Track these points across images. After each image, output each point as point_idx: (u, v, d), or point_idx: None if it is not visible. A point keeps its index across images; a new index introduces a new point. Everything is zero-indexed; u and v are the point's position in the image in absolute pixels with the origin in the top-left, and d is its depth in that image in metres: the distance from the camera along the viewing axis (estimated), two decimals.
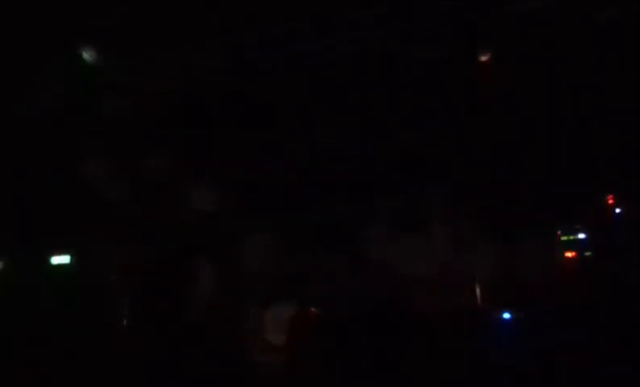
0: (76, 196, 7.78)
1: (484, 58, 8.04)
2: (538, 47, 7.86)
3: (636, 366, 6.46)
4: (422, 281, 8.14)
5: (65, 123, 7.73)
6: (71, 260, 8.04)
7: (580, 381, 6.72)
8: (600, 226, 8.74)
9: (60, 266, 8.04)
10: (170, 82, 7.95)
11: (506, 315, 7.89)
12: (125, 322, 7.93)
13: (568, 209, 8.58)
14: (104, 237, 7.94)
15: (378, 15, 7.55)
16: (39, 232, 7.85)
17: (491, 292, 8.22)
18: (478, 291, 8.28)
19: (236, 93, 8.07)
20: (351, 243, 8.39)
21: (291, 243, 8.23)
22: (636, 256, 7.84)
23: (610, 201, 8.79)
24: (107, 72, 7.69)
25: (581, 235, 8.78)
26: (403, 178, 8.44)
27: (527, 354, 7.18)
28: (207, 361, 7.28)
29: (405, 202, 8.46)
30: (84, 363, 7.22)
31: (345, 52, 7.74)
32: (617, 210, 8.77)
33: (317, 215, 8.36)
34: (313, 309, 8.02)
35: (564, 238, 8.79)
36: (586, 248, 8.72)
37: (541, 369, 6.92)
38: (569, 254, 8.72)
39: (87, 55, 7.36)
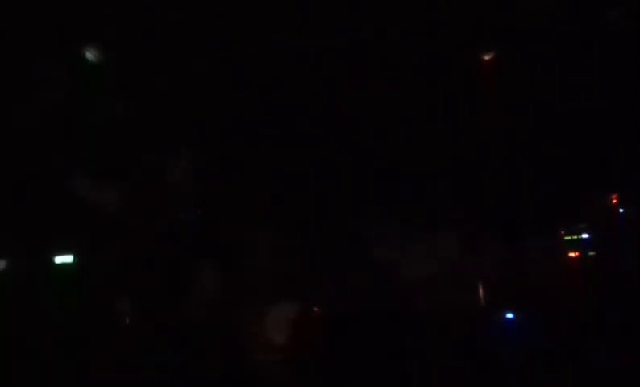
0: (79, 195, 7.82)
1: (487, 57, 8.07)
2: (540, 46, 7.88)
3: (638, 366, 6.43)
4: (425, 281, 8.12)
5: (66, 123, 7.78)
6: (74, 259, 8.07)
7: (583, 381, 6.69)
8: (603, 227, 8.72)
9: (63, 265, 8.07)
10: (170, 82, 7.99)
11: (509, 315, 7.88)
12: (127, 321, 7.94)
13: (572, 209, 8.57)
14: (107, 236, 7.97)
15: (379, 14, 7.59)
16: (41, 232, 7.89)
17: (494, 292, 8.20)
18: (481, 291, 8.26)
19: (236, 93, 8.12)
20: (354, 243, 8.39)
21: (294, 242, 8.24)
22: (639, 256, 7.82)
23: (614, 201, 8.77)
24: (108, 72, 7.75)
25: (585, 235, 8.76)
26: (407, 178, 8.44)
27: (530, 354, 7.15)
28: (209, 361, 7.29)
29: (409, 202, 8.45)
30: (86, 362, 7.25)
31: (346, 51, 7.77)
32: (621, 210, 8.76)
33: (320, 215, 8.35)
34: (316, 309, 8.03)
35: (568, 238, 8.78)
36: (589, 248, 8.70)
37: (544, 369, 6.89)
38: (572, 254, 8.70)
39: (89, 54, 7.43)
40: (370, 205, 8.39)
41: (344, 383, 7.15)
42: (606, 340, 6.99)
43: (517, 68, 7.97)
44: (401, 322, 7.66)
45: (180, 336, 7.50)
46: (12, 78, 7.58)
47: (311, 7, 7.40)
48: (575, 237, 8.75)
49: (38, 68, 7.60)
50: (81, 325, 7.50)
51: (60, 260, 8.04)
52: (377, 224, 8.39)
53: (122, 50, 7.72)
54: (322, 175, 8.29)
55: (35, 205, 7.67)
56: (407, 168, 8.40)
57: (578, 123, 8.09)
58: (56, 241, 7.97)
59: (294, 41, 7.67)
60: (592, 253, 8.67)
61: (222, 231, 8.24)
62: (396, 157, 8.41)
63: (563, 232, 8.75)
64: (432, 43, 7.81)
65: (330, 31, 7.60)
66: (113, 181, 7.95)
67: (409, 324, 7.64)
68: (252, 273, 7.97)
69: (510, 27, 7.79)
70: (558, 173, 8.25)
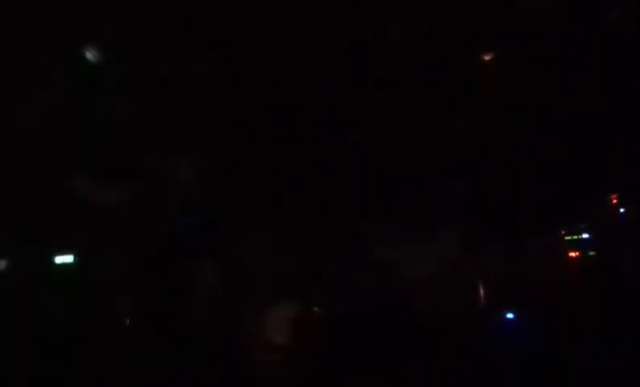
0: (79, 195, 7.82)
1: (487, 57, 8.07)
2: (540, 46, 7.88)
3: (638, 366, 6.42)
4: (426, 281, 8.12)
5: (67, 123, 7.78)
6: (74, 259, 8.07)
7: (583, 381, 6.68)
8: (603, 227, 8.72)
9: (63, 265, 8.08)
10: (170, 82, 7.99)
11: (510, 315, 7.88)
12: (127, 321, 7.94)
13: (572, 209, 8.57)
14: (107, 236, 7.97)
15: (379, 14, 7.58)
16: (41, 232, 7.89)
17: (495, 292, 8.20)
18: (482, 291, 8.26)
19: (236, 93, 8.11)
20: (354, 243, 8.39)
21: (294, 242, 8.23)
22: (639, 256, 7.82)
23: (614, 201, 8.78)
24: (109, 72, 7.75)
25: (585, 235, 8.77)
26: (407, 178, 8.45)
27: (530, 354, 7.15)
28: (209, 361, 7.28)
29: (409, 202, 8.45)
30: (86, 362, 7.25)
31: (346, 51, 7.76)
32: (621, 210, 8.76)
33: (320, 215, 8.36)
34: (316, 309, 8.03)
35: (568, 238, 8.78)
36: (590, 248, 8.70)
37: (544, 369, 6.88)
38: (573, 254, 8.70)
39: (90, 54, 7.43)
40: (370, 205, 8.39)
41: (344, 383, 7.14)
42: (606, 340, 6.98)
43: (517, 68, 7.97)
44: (401, 322, 7.65)
45: (180, 336, 7.50)
46: (12, 78, 7.58)
47: (311, 7, 7.39)
48: (576, 237, 8.75)
49: (38, 68, 7.60)
50: (81, 325, 7.50)
51: (60, 260, 8.05)
52: (377, 224, 8.40)
53: (122, 50, 7.72)
54: (321, 175, 8.30)
55: (35, 205, 7.67)
56: (407, 168, 8.40)
57: (578, 123, 8.09)
58: (56, 241, 7.97)
59: (294, 41, 7.66)
60: (592, 253, 8.67)
61: (222, 231, 8.24)
62: (396, 157, 8.41)
63: (563, 232, 8.75)
64: (432, 43, 7.81)
65: (330, 31, 7.59)
66: (113, 180, 7.95)
67: (409, 324, 7.64)
68: (252, 273, 7.96)
69: (510, 27, 7.79)
70: (558, 173, 8.25)
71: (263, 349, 7.41)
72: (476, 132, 8.29)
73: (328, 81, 7.95)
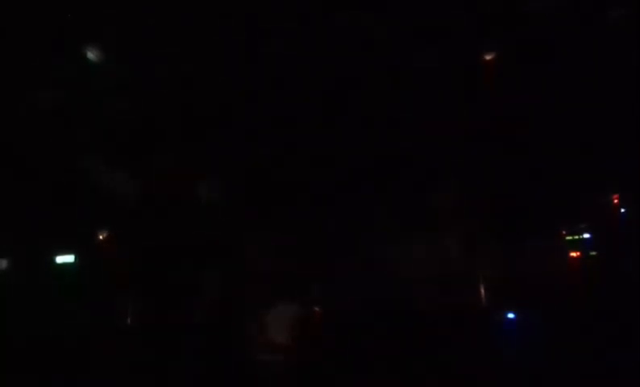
0: (81, 196, 7.84)
1: (487, 57, 8.08)
2: (541, 46, 7.88)
3: (638, 366, 6.42)
4: (426, 281, 8.13)
5: (67, 123, 7.80)
6: (75, 259, 8.09)
7: (583, 381, 6.68)
8: (604, 226, 8.72)
9: (63, 265, 8.10)
10: (171, 81, 7.99)
11: (510, 315, 7.88)
12: (127, 321, 7.97)
13: (573, 209, 8.57)
14: (108, 236, 7.99)
15: (380, 14, 7.58)
16: (42, 231, 7.91)
17: (495, 291, 8.20)
18: (482, 291, 8.26)
19: (237, 92, 8.12)
20: (355, 243, 8.40)
21: (295, 243, 8.24)
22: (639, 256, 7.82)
23: (615, 201, 8.78)
24: (109, 72, 7.75)
25: (586, 235, 8.77)
26: (408, 179, 8.45)
27: (531, 353, 7.14)
28: (211, 360, 7.29)
29: (410, 203, 8.45)
30: (86, 362, 7.26)
31: (346, 51, 7.76)
32: (622, 210, 8.76)
33: (320, 215, 8.36)
34: (317, 309, 8.03)
35: (569, 238, 8.78)
36: (590, 248, 8.70)
37: (544, 368, 6.88)
38: (573, 254, 8.70)
39: (90, 54, 7.44)
40: (370, 205, 8.39)
41: (345, 382, 7.14)
42: (606, 340, 6.97)
43: (517, 68, 7.97)
44: (401, 321, 7.66)
45: (180, 336, 7.51)
46: (13, 78, 7.59)
47: (311, 7, 7.40)
48: (576, 237, 8.75)
49: (38, 67, 7.61)
50: (81, 325, 7.51)
51: (60, 259, 8.07)
52: (377, 224, 8.40)
53: (122, 50, 7.72)
54: (322, 175, 8.31)
55: (35, 205, 7.69)
56: (407, 168, 8.40)
57: (578, 123, 8.08)
58: (56, 241, 7.99)
59: (294, 41, 7.67)
60: (592, 253, 8.67)
61: (222, 231, 8.26)
62: (397, 157, 8.41)
63: (564, 232, 8.75)
64: (432, 43, 7.81)
65: (331, 31, 7.60)
66: (114, 181, 7.96)
67: (409, 324, 7.64)
68: (253, 273, 7.98)
69: (510, 27, 7.79)
70: (558, 173, 8.25)
71: (264, 349, 7.41)
72: (477, 132, 8.29)
73: (328, 81, 7.95)
